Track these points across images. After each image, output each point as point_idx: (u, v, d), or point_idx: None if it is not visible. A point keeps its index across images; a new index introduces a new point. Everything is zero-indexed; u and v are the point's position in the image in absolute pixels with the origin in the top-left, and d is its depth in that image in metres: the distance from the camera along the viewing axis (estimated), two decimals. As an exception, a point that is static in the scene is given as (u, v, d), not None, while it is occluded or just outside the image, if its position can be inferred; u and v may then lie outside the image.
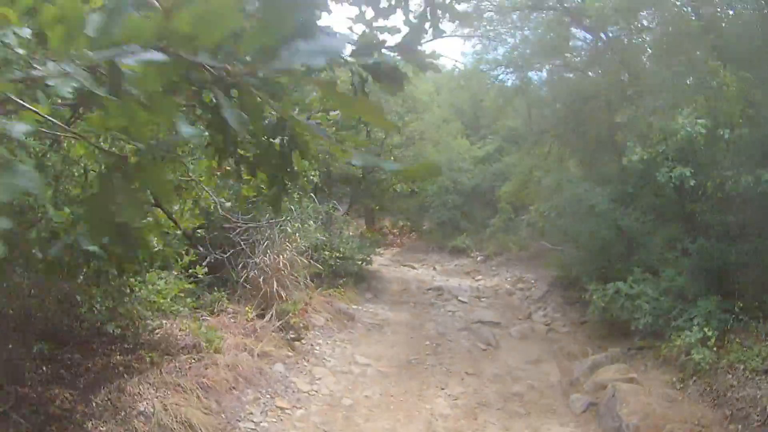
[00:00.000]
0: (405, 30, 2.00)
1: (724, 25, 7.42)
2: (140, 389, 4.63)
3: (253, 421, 4.93)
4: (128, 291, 4.57)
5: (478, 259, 15.49)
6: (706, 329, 5.82)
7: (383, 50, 1.39)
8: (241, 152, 1.82)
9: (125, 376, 4.65)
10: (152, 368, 4.95)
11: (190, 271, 5.30)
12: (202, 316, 6.30)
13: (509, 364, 7.18)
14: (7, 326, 4.05)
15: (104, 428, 3.93)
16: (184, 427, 4.32)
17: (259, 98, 0.98)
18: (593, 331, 8.11)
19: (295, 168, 1.72)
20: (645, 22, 9.19)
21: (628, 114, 6.90)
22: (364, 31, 2.12)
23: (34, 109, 1.05)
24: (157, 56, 0.80)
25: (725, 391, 5.24)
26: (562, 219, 8.82)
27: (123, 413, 4.14)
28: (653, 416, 5.05)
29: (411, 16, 2.45)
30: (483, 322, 9.10)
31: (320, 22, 0.93)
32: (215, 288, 6.60)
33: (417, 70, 1.60)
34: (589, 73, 9.84)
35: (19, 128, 0.92)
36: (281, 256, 6.72)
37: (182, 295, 5.08)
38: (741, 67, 6.28)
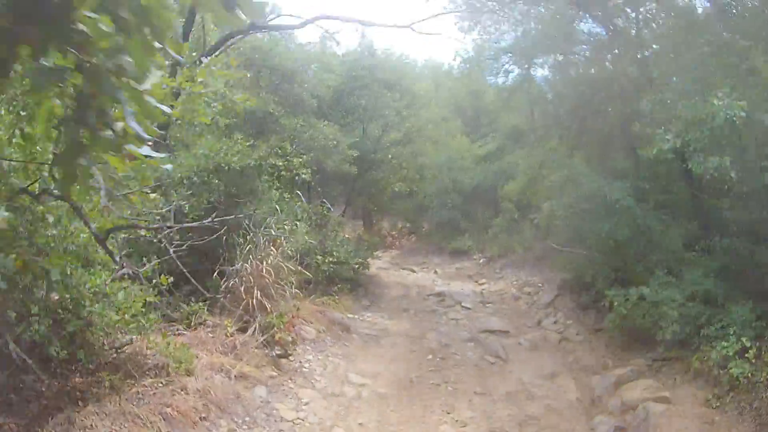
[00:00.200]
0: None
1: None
2: (93, 421, 4.02)
3: (222, 461, 4.22)
4: (72, 307, 3.83)
5: (481, 261, 14.86)
6: (744, 339, 5.32)
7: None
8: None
9: (79, 403, 4.04)
10: (111, 394, 4.31)
11: (153, 281, 4.56)
12: (177, 330, 5.62)
13: (522, 380, 6.48)
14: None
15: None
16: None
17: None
18: (611, 340, 7.43)
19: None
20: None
21: (652, 100, 6.13)
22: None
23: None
24: None
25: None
26: (576, 217, 8.08)
27: (67, 452, 3.45)
28: (693, 444, 4.40)
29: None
30: (490, 331, 8.47)
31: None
32: (192, 299, 5.90)
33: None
34: (604, 62, 9.13)
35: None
36: (264, 263, 5.96)
37: (143, 310, 4.32)
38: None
